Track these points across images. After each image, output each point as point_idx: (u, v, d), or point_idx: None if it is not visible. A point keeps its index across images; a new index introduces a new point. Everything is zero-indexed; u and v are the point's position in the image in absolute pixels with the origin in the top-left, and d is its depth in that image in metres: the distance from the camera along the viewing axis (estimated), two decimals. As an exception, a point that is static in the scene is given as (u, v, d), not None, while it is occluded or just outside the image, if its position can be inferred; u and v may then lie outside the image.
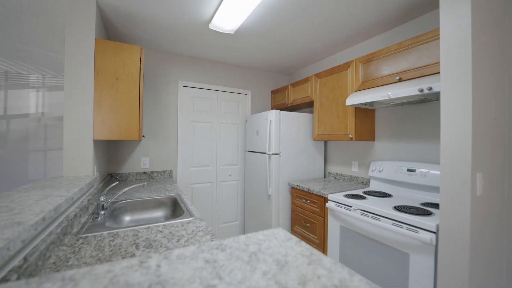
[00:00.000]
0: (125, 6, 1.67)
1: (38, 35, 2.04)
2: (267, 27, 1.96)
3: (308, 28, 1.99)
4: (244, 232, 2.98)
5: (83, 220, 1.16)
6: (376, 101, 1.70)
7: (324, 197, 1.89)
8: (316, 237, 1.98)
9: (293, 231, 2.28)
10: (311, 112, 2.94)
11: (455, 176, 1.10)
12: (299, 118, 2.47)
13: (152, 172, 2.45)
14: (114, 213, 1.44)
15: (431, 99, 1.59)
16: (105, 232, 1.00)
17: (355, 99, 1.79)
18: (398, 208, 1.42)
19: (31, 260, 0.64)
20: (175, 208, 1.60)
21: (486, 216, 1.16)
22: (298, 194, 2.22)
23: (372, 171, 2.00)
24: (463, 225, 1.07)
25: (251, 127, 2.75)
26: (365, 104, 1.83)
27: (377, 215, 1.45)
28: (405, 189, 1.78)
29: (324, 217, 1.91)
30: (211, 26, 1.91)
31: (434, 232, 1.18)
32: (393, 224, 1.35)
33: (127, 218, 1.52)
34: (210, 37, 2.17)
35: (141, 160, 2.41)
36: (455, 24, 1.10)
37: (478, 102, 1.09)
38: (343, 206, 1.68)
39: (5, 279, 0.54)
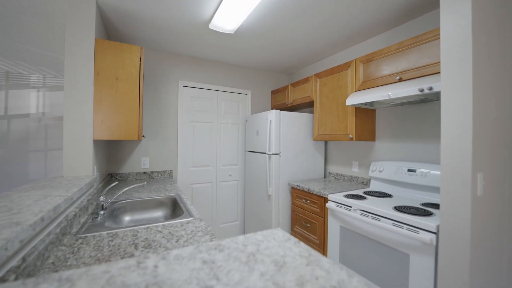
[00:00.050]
0: (125, 6, 1.67)
1: (38, 35, 2.04)
2: (267, 27, 1.96)
3: (308, 28, 1.99)
4: (244, 232, 2.98)
5: (82, 220, 1.16)
6: (377, 101, 1.69)
7: (324, 197, 1.89)
8: (316, 237, 1.97)
9: (293, 231, 2.27)
10: (311, 112, 2.93)
11: (455, 176, 1.09)
12: (299, 118, 2.47)
13: (152, 172, 2.45)
14: (114, 213, 1.44)
15: (431, 99, 1.58)
16: (104, 232, 1.00)
17: (355, 99, 1.78)
18: (398, 209, 1.41)
19: (29, 260, 0.64)
20: (175, 208, 1.60)
21: (486, 217, 1.15)
22: (298, 194, 2.21)
23: (373, 171, 2.00)
24: (464, 226, 1.06)
25: (251, 127, 2.75)
26: (366, 104, 1.83)
27: (377, 216, 1.44)
28: (406, 189, 1.77)
29: (324, 217, 1.90)
30: (211, 26, 1.91)
31: (434, 233, 1.17)
32: (393, 225, 1.34)
33: (126, 218, 1.52)
34: (210, 37, 2.17)
35: (141, 160, 2.41)
36: (455, 23, 1.10)
37: (479, 102, 1.08)
38: (343, 206, 1.67)
39: (3, 280, 0.53)
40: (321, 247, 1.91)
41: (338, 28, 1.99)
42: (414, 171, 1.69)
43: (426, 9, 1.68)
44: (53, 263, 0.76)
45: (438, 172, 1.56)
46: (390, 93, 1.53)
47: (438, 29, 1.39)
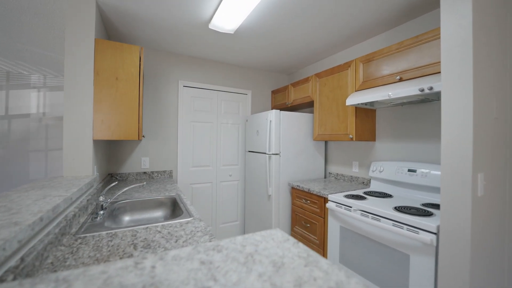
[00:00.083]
0: (125, 6, 1.67)
1: (39, 35, 2.05)
2: (267, 27, 1.96)
3: (308, 28, 1.99)
4: (244, 232, 2.98)
5: (82, 220, 1.16)
6: (377, 101, 1.69)
7: (324, 198, 1.88)
8: (316, 238, 1.97)
9: (293, 231, 2.27)
10: (312, 112, 2.93)
11: (455, 177, 1.09)
12: (299, 118, 2.47)
13: (152, 172, 2.45)
14: (114, 213, 1.44)
15: (432, 99, 1.58)
16: (104, 232, 1.00)
17: (356, 99, 1.78)
18: (399, 209, 1.41)
19: (28, 261, 0.64)
20: (175, 208, 1.60)
21: (487, 217, 1.15)
22: (298, 194, 2.21)
23: (373, 171, 1.99)
24: (464, 226, 1.06)
25: (251, 127, 2.75)
26: (366, 104, 1.82)
27: (377, 216, 1.44)
28: (406, 190, 1.77)
29: (324, 218, 1.90)
30: (211, 26, 1.91)
31: (434, 233, 1.17)
32: (393, 225, 1.34)
33: (126, 218, 1.52)
34: (210, 37, 2.17)
35: (141, 160, 2.41)
36: (456, 23, 1.09)
37: (479, 101, 1.08)
38: (343, 206, 1.67)
39: (1, 280, 0.53)
40: (321, 247, 1.91)
41: (338, 28, 1.99)
42: (414, 171, 1.69)
43: (426, 9, 1.68)
44: (52, 263, 0.76)
45: (439, 172, 1.56)
46: (390, 93, 1.53)
47: (439, 29, 1.39)
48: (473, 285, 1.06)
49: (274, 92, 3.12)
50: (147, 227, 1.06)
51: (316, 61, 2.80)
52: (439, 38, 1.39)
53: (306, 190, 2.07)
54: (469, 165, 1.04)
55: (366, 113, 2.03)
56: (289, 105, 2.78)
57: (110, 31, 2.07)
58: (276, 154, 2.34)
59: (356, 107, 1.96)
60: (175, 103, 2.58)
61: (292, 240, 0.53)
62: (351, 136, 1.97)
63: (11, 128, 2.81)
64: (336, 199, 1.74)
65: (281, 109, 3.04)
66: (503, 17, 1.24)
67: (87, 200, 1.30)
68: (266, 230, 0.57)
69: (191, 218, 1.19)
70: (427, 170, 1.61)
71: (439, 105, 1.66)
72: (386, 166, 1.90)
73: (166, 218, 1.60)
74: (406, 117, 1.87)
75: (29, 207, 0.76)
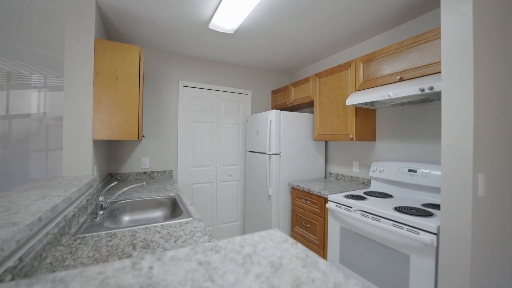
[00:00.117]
0: (124, 6, 1.67)
1: (39, 35, 2.05)
2: (267, 27, 1.96)
3: (308, 28, 1.98)
4: (244, 232, 2.98)
5: (81, 220, 1.16)
6: (377, 101, 1.68)
7: (324, 198, 1.88)
8: (316, 238, 1.97)
9: (293, 231, 2.27)
10: (312, 112, 2.93)
11: (456, 177, 1.08)
12: (300, 118, 2.46)
13: (152, 172, 2.45)
14: (113, 213, 1.43)
15: (432, 99, 1.57)
16: (103, 233, 1.00)
17: (356, 99, 1.77)
18: (399, 209, 1.41)
19: (26, 261, 0.64)
20: (174, 208, 1.60)
21: (488, 217, 1.14)
22: (298, 194, 2.21)
23: (373, 171, 1.99)
24: (465, 227, 1.05)
25: (252, 127, 2.75)
26: (366, 104, 1.82)
27: (377, 216, 1.43)
28: (406, 190, 1.76)
29: (324, 218, 1.90)
30: (210, 26, 1.90)
31: (435, 234, 1.16)
32: (394, 225, 1.34)
33: (126, 218, 1.52)
34: (210, 37, 2.17)
35: (141, 160, 2.41)
36: (456, 22, 1.09)
37: (480, 101, 1.07)
38: (343, 206, 1.66)
39: (-1, 280, 0.53)
40: (321, 247, 1.91)
41: (338, 28, 1.98)
42: (415, 171, 1.68)
43: (427, 8, 1.67)
44: (50, 263, 0.76)
45: (439, 173, 1.55)
46: (390, 93, 1.52)
47: (439, 28, 1.38)
48: (473, 286, 1.05)
49: (274, 92, 3.11)
50: (146, 227, 1.06)
51: (316, 61, 2.80)
52: (440, 37, 1.39)
53: (306, 190, 2.07)
54: (469, 165, 1.04)
55: (366, 113, 2.03)
56: (289, 105, 2.78)
57: (110, 31, 2.07)
58: (276, 154, 2.33)
59: (356, 107, 1.95)
60: (175, 103, 2.58)
61: (291, 240, 0.52)
62: (351, 136, 1.96)
63: (12, 128, 2.82)
64: (336, 199, 1.74)
65: (281, 109, 3.04)
66: (504, 17, 1.23)
67: (87, 200, 1.30)
68: (265, 230, 0.57)
69: (191, 218, 1.19)
70: (428, 170, 1.61)
71: (440, 105, 1.65)
72: (386, 166, 1.90)
73: (166, 218, 1.60)
74: (406, 117, 1.86)
75: (28, 207, 0.76)
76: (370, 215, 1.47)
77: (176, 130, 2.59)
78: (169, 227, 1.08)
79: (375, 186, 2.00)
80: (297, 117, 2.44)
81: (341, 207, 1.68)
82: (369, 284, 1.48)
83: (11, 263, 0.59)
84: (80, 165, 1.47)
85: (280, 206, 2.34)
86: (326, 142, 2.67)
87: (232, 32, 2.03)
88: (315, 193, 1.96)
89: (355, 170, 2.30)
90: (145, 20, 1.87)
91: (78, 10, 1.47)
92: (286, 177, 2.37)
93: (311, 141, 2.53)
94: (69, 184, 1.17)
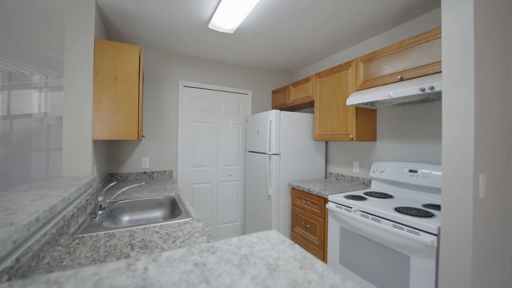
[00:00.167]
0: (124, 6, 1.67)
1: (39, 36, 2.05)
2: (267, 26, 1.95)
3: (308, 28, 1.98)
4: (244, 232, 2.97)
5: (80, 220, 1.16)
6: (377, 101, 1.67)
7: (324, 198, 1.87)
8: (316, 238, 1.96)
9: (293, 232, 2.26)
10: (312, 112, 2.92)
11: (456, 177, 1.07)
12: (300, 118, 2.46)
13: (152, 172, 2.45)
14: (113, 213, 1.43)
15: (433, 99, 1.56)
16: (102, 233, 1.00)
17: (356, 98, 1.76)
18: (399, 210, 1.40)
19: (23, 261, 0.64)
20: (174, 209, 1.60)
21: (489, 218, 1.13)
22: (298, 194, 2.20)
23: (374, 171, 1.98)
24: (465, 228, 1.04)
25: (252, 127, 2.74)
26: (366, 104, 1.81)
27: (377, 217, 1.43)
28: (407, 190, 1.75)
29: (324, 218, 1.89)
30: (210, 26, 1.90)
31: (435, 235, 1.15)
32: (394, 226, 1.33)
33: (125, 218, 1.52)
34: (210, 37, 2.16)
35: (141, 160, 2.41)
36: (457, 21, 1.08)
37: (481, 101, 1.07)
38: (343, 207, 1.66)
39: (-5, 280, 0.53)
40: (321, 248, 1.90)
41: (338, 28, 1.97)
42: (415, 171, 1.67)
43: (427, 8, 1.66)
44: (48, 263, 0.75)
45: (440, 173, 1.54)
46: (391, 93, 1.51)
47: (439, 28, 1.38)
48: (474, 287, 1.04)
49: (274, 92, 3.11)
50: (145, 228, 1.06)
51: (317, 61, 2.79)
52: (440, 37, 1.38)
53: (306, 190, 2.06)
54: (470, 166, 1.03)
55: (366, 113, 2.02)
56: (289, 105, 2.77)
57: (110, 31, 2.07)
58: (276, 154, 2.33)
59: (356, 107, 1.94)
60: (175, 103, 2.58)
61: (288, 241, 0.52)
62: (351, 136, 1.95)
63: (13, 128, 2.83)
64: (336, 200, 1.73)
65: (281, 109, 3.03)
66: (505, 16, 1.22)
67: (86, 200, 1.30)
68: (263, 231, 0.57)
69: (190, 219, 1.19)
70: (428, 171, 1.60)
71: (440, 105, 1.64)
72: (387, 166, 1.89)
73: (165, 218, 1.60)
74: (407, 117, 1.85)
75: (26, 207, 0.76)
76: (370, 216, 1.46)
77: (176, 130, 2.59)
78: (168, 227, 1.08)
79: (375, 187, 1.99)
80: (297, 117, 2.44)
81: (341, 208, 1.68)
82: (369, 285, 1.47)
83: (8, 263, 0.59)
84: (80, 165, 1.47)
85: (280, 206, 2.34)
86: (326, 142, 2.66)
87: (232, 32, 2.03)
88: (315, 193, 1.95)
89: (355, 170, 2.29)
90: (145, 20, 1.87)
91: (78, 10, 1.47)
92: (286, 177, 2.36)
93: (311, 141, 2.52)
94: (69, 184, 1.17)
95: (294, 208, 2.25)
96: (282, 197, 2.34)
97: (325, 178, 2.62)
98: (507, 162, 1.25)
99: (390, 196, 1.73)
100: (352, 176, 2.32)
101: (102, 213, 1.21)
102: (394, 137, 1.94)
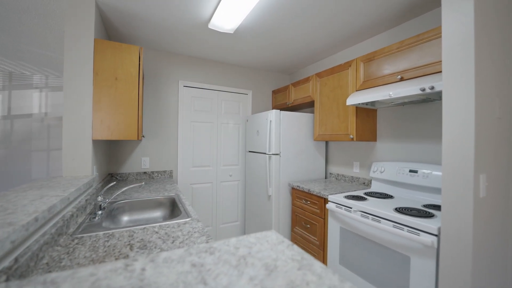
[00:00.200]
0: (124, 6, 1.67)
1: (39, 36, 2.05)
2: (267, 26, 1.95)
3: (308, 28, 1.97)
4: (244, 233, 2.97)
5: (80, 220, 1.16)
6: (378, 101, 1.67)
7: (324, 198, 1.87)
8: (316, 239, 1.96)
9: (293, 232, 2.26)
10: (312, 112, 2.91)
11: (457, 177, 1.07)
12: (300, 118, 2.45)
13: (152, 172, 2.45)
14: (112, 213, 1.43)
15: (433, 99, 1.56)
16: (101, 233, 1.00)
17: (356, 98, 1.76)
18: (399, 210, 1.39)
19: (22, 261, 0.64)
20: (173, 209, 1.60)
21: (489, 218, 1.12)
22: (298, 194, 2.20)
23: (374, 171, 1.97)
24: (466, 228, 1.04)
25: (252, 127, 2.74)
26: (366, 104, 1.81)
27: (377, 217, 1.42)
28: (407, 190, 1.74)
29: (324, 218, 1.88)
30: (210, 26, 1.90)
31: (435, 235, 1.15)
32: (394, 226, 1.32)
33: (125, 218, 1.52)
34: (210, 37, 2.16)
35: (141, 160, 2.41)
36: (457, 21, 1.07)
37: (481, 101, 1.06)
38: (343, 207, 1.65)
39: (-7, 281, 0.53)
40: (321, 248, 1.89)
41: (338, 28, 1.97)
42: (415, 171, 1.67)
43: (428, 7, 1.66)
44: (47, 263, 0.75)
45: (440, 173, 1.54)
46: (391, 93, 1.51)
47: (440, 27, 1.37)
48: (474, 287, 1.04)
49: (274, 92, 3.10)
50: (144, 228, 1.05)
51: (317, 60, 2.79)
52: (441, 37, 1.37)
53: (306, 190, 2.06)
54: (471, 166, 1.03)
55: (367, 113, 2.01)
56: (289, 105, 2.77)
57: (110, 32, 2.08)
58: (276, 154, 2.32)
59: (356, 107, 1.94)
60: (175, 103, 2.58)
61: (287, 242, 0.52)
62: (351, 136, 1.95)
63: (14, 128, 2.83)
64: (336, 200, 1.72)
65: (282, 109, 3.03)
66: (506, 16, 1.21)
67: (86, 200, 1.30)
68: (262, 231, 0.56)
69: (189, 219, 1.19)
70: (429, 171, 1.59)
71: (441, 105, 1.63)
72: (387, 166, 1.88)
73: (165, 218, 1.60)
74: (407, 117, 1.85)
75: (25, 207, 0.76)
76: (370, 216, 1.46)
77: (176, 130, 2.59)
78: (167, 227, 1.07)
79: (375, 187, 1.98)
80: (297, 117, 2.44)
81: (341, 208, 1.67)
82: (369, 286, 1.47)
83: (6, 263, 0.59)
84: (80, 165, 1.47)
85: (280, 207, 2.33)
86: (326, 142, 2.66)
87: (232, 32, 2.03)
88: (315, 193, 1.95)
89: (355, 171, 2.29)
90: (145, 20, 1.87)
91: (78, 10, 1.47)
92: (286, 177, 2.36)
93: (312, 141, 2.52)
94: (68, 184, 1.17)
95: (294, 208, 2.25)
96: (282, 197, 2.34)
97: (325, 178, 2.62)
98: (508, 162, 1.24)
99: (390, 196, 1.72)
100: (352, 176, 2.31)
101: (101, 213, 1.21)
102: (395, 137, 1.94)
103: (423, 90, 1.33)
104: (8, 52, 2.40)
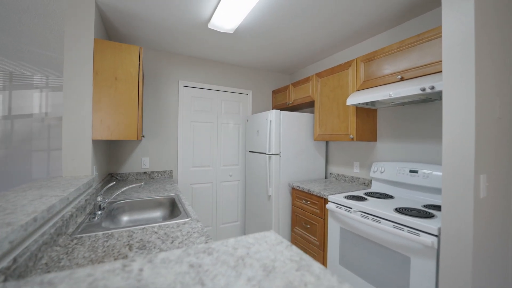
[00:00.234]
0: (124, 6, 1.67)
1: (39, 36, 2.06)
2: (267, 26, 1.95)
3: (308, 28, 1.97)
4: (244, 233, 2.97)
5: (79, 220, 1.16)
6: (378, 101, 1.66)
7: (324, 198, 1.87)
8: (316, 239, 1.95)
9: (293, 232, 2.25)
10: (312, 112, 2.91)
11: (457, 177, 1.06)
12: (300, 118, 2.45)
13: (152, 172, 2.45)
14: (112, 213, 1.43)
15: (434, 99, 1.55)
16: (100, 233, 1.00)
17: (356, 98, 1.76)
18: (399, 210, 1.39)
19: (20, 261, 0.64)
20: (173, 209, 1.59)
21: (490, 218, 1.12)
22: (298, 195, 2.19)
23: (374, 172, 1.97)
24: (466, 228, 1.03)
25: (252, 127, 2.74)
26: (366, 103, 1.80)
27: (377, 217, 1.42)
28: (407, 191, 1.74)
29: (324, 219, 1.88)
30: (210, 26, 1.90)
31: (436, 235, 1.15)
32: (394, 227, 1.32)
33: (125, 218, 1.52)
34: (210, 37, 2.16)
35: (141, 160, 2.41)
36: (457, 20, 1.07)
37: (482, 100, 1.06)
38: (343, 207, 1.65)
39: (-9, 281, 0.53)
40: (321, 248, 1.89)
41: (338, 28, 1.97)
42: (416, 172, 1.66)
43: (428, 7, 1.65)
44: (46, 263, 0.75)
45: (441, 173, 1.53)
46: (391, 93, 1.51)
47: (440, 27, 1.37)
48: (475, 289, 1.04)
49: (274, 92, 3.10)
50: (144, 228, 1.05)
51: (317, 60, 2.78)
52: (441, 36, 1.37)
53: (306, 190, 2.05)
54: (471, 166, 1.02)
55: (367, 113, 2.01)
56: (289, 105, 2.77)
57: (110, 32, 2.08)
58: (276, 154, 2.32)
59: (357, 107, 1.94)
60: (175, 103, 2.58)
61: (286, 243, 0.51)
62: (352, 136, 1.95)
63: (14, 128, 2.83)
64: (336, 200, 1.72)
65: (282, 109, 3.03)
66: (506, 15, 1.21)
67: (85, 200, 1.30)
68: (260, 232, 0.56)
69: (189, 219, 1.18)
70: (429, 171, 1.59)
71: (441, 105, 1.63)
72: (387, 166, 1.88)
73: (165, 219, 1.60)
74: (407, 117, 1.84)
75: (24, 207, 0.76)
76: (370, 216, 1.46)
77: (176, 130, 2.59)
78: (167, 227, 1.07)
79: (376, 187, 1.98)
80: (297, 117, 2.43)
81: (341, 208, 1.67)
82: (369, 286, 1.46)
83: (4, 263, 0.59)
84: (80, 165, 1.47)
85: (280, 207, 2.33)
86: (326, 142, 2.66)
87: (232, 32, 2.03)
88: (315, 193, 1.95)
89: (355, 171, 2.28)
90: (145, 20, 1.87)
91: (78, 10, 1.47)
92: (286, 178, 2.36)
93: (312, 141, 2.52)
94: (68, 184, 1.17)
95: (294, 208, 2.25)
96: (282, 197, 2.34)
97: (325, 178, 2.61)
98: (508, 162, 1.24)
99: (391, 197, 1.72)
100: (352, 176, 2.31)
101: (101, 213, 1.21)
102: (395, 137, 1.93)
103: (423, 90, 1.32)
104: (9, 52, 2.40)
